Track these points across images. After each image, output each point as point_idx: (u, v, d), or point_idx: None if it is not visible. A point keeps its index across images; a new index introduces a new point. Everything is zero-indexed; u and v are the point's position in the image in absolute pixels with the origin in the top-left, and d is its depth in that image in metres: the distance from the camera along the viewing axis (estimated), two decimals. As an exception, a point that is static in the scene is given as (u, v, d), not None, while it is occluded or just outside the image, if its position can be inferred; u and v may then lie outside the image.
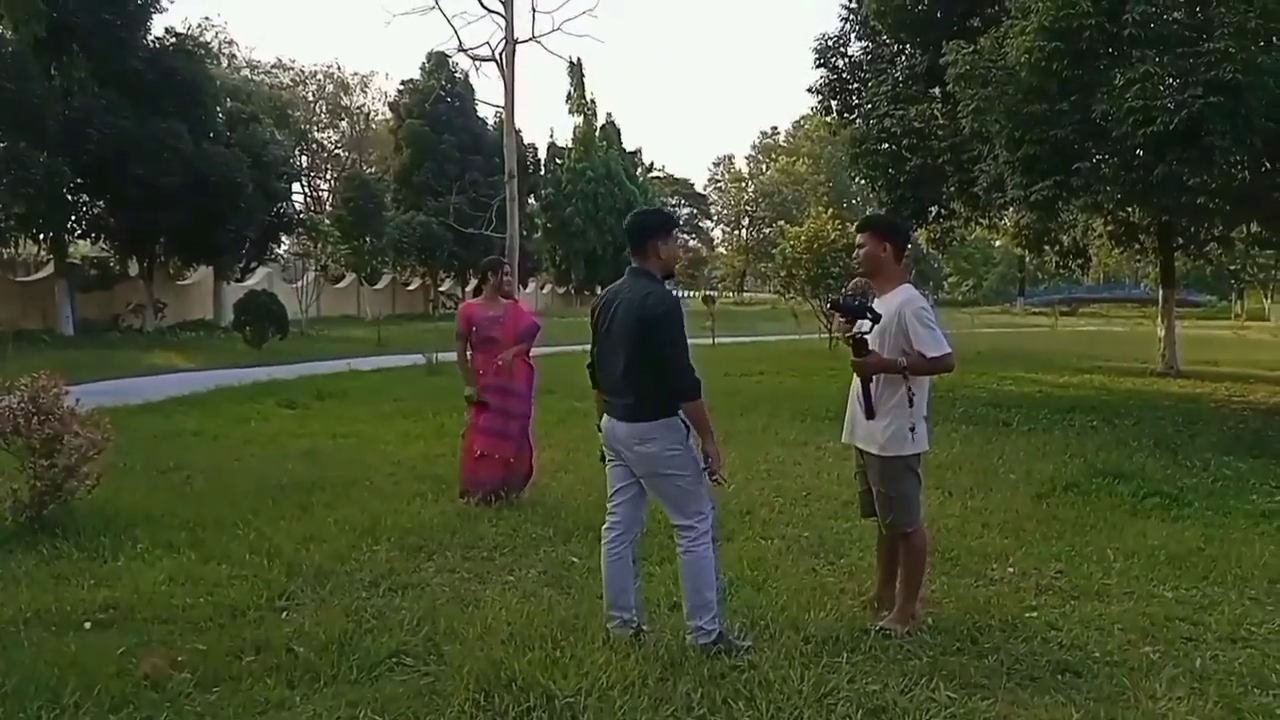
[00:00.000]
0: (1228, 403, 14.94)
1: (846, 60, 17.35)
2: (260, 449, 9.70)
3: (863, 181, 22.02)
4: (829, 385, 14.07)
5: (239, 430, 10.88)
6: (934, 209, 17.79)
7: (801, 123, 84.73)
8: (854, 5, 16.77)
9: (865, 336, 4.56)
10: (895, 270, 4.74)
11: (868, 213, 19.03)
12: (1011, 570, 5.76)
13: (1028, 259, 30.41)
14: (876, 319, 4.56)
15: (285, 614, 4.84)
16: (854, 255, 4.98)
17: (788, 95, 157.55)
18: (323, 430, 10.88)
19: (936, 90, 15.09)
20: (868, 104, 16.27)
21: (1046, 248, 21.92)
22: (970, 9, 14.43)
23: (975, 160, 13.33)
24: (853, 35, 17.20)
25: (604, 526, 4.60)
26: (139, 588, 5.11)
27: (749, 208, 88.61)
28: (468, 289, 42.77)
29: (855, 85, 17.25)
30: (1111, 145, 10.98)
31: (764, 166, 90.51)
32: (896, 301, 4.61)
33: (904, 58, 16.13)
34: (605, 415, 4.52)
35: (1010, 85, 11.52)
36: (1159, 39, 10.58)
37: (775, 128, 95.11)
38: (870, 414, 4.65)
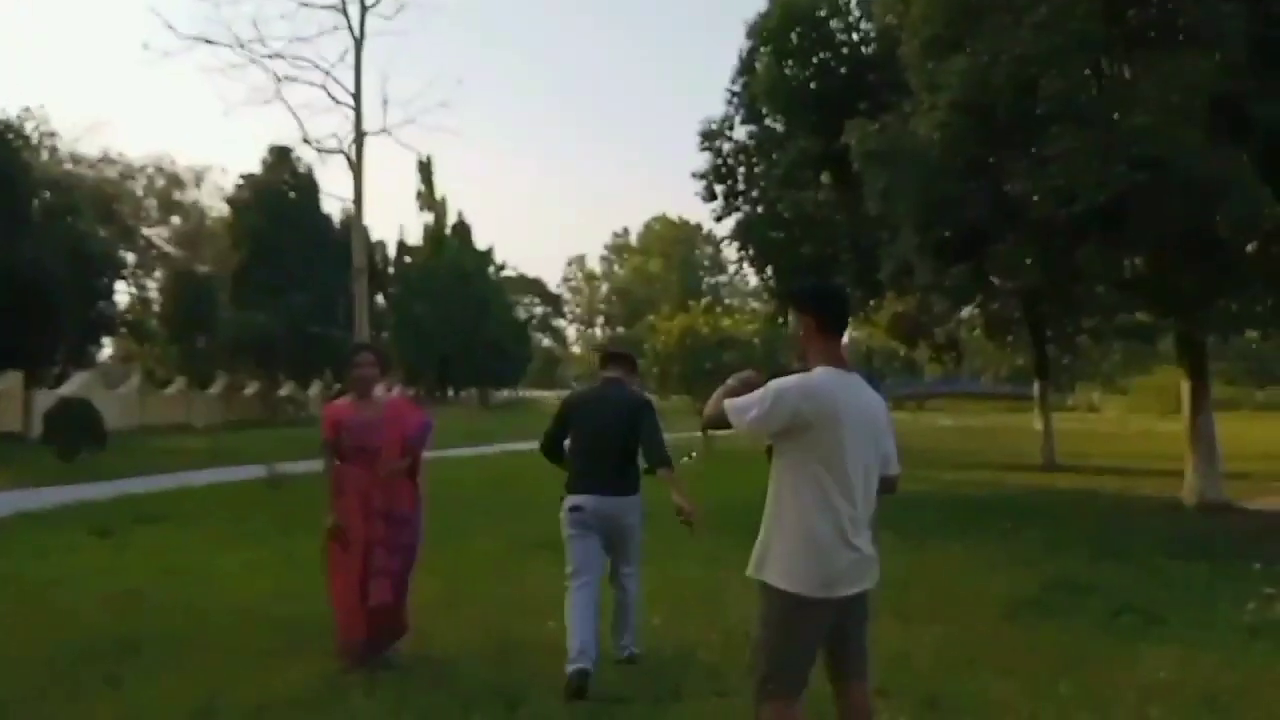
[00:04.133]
0: (1128, 497, 14.67)
1: (732, 144, 16.65)
2: (64, 592, 7.70)
3: (749, 268, 21.02)
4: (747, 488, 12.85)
5: (38, 568, 8.77)
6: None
7: (653, 223, 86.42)
8: (738, 89, 16.14)
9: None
10: (815, 346, 3.53)
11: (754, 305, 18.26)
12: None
13: (901, 352, 30.46)
14: None
15: None
16: None
17: (638, 197, 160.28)
18: (144, 564, 8.88)
19: (825, 177, 14.50)
20: (754, 190, 15.54)
21: (921, 341, 21.75)
22: (861, 92, 13.91)
23: (878, 245, 12.65)
24: (737, 119, 16.54)
25: (575, 586, 5.16)
26: None
27: (603, 306, 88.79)
28: (313, 391, 40.28)
29: (741, 170, 16.52)
30: (1029, 227, 10.39)
31: (615, 266, 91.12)
32: None
33: (794, 142, 15.53)
34: (584, 494, 5.23)
35: (916, 166, 10.87)
36: (1075, 116, 10.11)
37: (626, 228, 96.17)
38: None
